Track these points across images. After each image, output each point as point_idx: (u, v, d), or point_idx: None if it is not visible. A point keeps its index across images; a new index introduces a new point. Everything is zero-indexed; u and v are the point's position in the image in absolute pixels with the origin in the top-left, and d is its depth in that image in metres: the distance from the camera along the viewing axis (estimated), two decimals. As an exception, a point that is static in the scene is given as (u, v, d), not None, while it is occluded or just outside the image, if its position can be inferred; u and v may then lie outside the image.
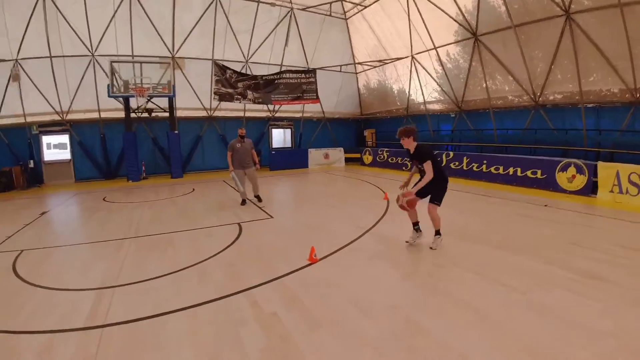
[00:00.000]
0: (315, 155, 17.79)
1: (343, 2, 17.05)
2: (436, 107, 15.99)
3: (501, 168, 11.27)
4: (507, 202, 8.37)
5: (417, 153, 4.95)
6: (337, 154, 18.48)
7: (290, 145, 19.51)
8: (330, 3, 16.45)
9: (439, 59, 14.49)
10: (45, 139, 15.18)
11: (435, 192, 4.98)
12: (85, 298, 3.84)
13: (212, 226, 6.74)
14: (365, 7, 16.45)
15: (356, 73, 19.80)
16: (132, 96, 13.70)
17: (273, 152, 17.14)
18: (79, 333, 3.15)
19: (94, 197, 11.11)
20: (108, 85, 13.62)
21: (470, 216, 7.06)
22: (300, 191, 11.68)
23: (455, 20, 12.95)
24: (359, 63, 18.71)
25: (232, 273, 4.41)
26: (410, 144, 4.95)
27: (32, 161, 14.59)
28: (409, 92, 16.88)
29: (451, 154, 13.30)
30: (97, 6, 13.78)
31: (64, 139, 15.39)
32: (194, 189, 11.60)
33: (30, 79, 14.11)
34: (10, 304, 3.80)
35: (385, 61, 17.32)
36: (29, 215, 8.57)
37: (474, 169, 12.22)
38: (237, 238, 5.89)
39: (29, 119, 14.63)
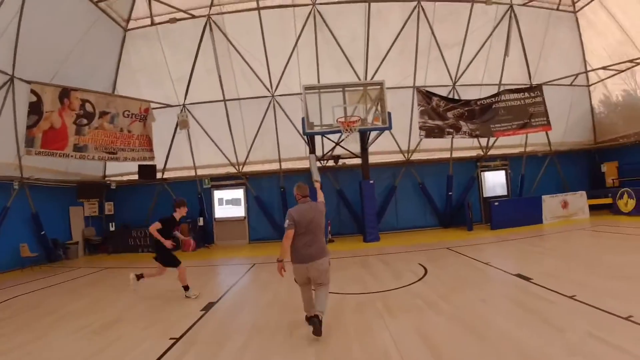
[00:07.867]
0: (550, 204, 11.87)
1: (573, -14, 12.31)
2: None
3: None
4: None
5: None
6: (578, 202, 12.24)
7: (505, 193, 13.97)
8: (559, -10, 11.97)
9: None
10: (217, 194, 13.65)
11: None
12: None
13: None
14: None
15: (588, 85, 13.98)
16: (338, 131, 10.43)
17: (496, 204, 11.66)
18: None
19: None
20: (303, 119, 10.62)
21: None
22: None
23: None
24: (596, 69, 13.04)
25: None
26: None
27: (201, 219, 12.97)
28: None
29: None
30: (276, 34, 11.68)
31: (238, 193, 13.59)
32: (426, 270, 6.93)
33: (201, 126, 12.70)
34: None
35: (638, 61, 11.52)
36: (189, 310, 5.33)
37: None
38: None
39: (200, 172, 13.29)
